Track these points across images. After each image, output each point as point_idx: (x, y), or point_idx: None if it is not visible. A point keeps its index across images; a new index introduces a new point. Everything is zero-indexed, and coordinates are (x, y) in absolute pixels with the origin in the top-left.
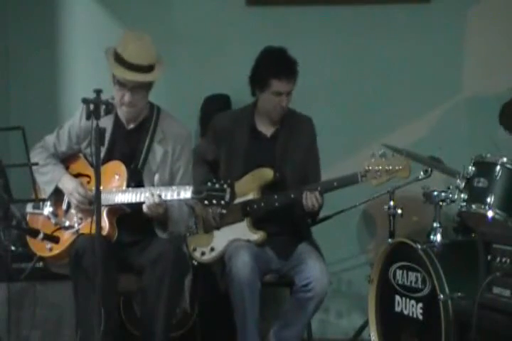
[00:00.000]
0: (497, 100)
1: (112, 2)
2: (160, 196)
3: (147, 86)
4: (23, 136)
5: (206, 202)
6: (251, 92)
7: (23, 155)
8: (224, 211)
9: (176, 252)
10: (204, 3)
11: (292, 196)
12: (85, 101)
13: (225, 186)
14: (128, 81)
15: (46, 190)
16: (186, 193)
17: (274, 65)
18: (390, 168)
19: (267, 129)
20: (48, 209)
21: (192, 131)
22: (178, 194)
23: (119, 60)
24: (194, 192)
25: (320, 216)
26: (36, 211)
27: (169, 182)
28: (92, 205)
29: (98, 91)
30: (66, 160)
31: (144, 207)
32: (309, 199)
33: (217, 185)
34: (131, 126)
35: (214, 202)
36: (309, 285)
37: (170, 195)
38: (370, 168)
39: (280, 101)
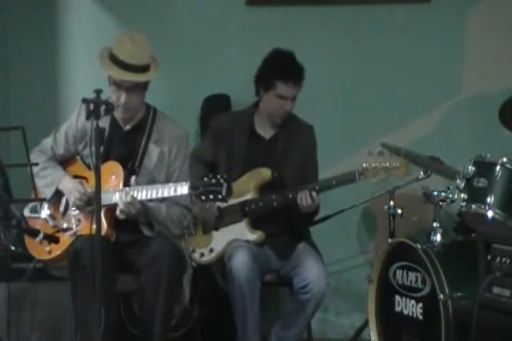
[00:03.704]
0: (497, 100)
1: (112, 2)
2: (133, 196)
3: (143, 86)
4: (23, 136)
5: (203, 197)
6: (255, 92)
7: (23, 155)
8: (222, 204)
9: (174, 251)
10: (204, 3)
11: (290, 196)
12: (85, 101)
13: (222, 181)
14: (124, 81)
15: (46, 193)
16: (183, 189)
17: (283, 68)
18: (388, 165)
19: (266, 132)
20: (45, 212)
21: (192, 131)
22: (175, 190)
23: (115, 60)
24: (191, 188)
25: (320, 216)
26: (34, 215)
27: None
28: (90, 204)
29: (98, 92)
30: (63, 162)
31: (117, 211)
32: (304, 199)
33: (213, 180)
34: (128, 126)
35: (211, 197)
36: (307, 287)
37: (167, 191)
38: (368, 165)
39: (284, 104)
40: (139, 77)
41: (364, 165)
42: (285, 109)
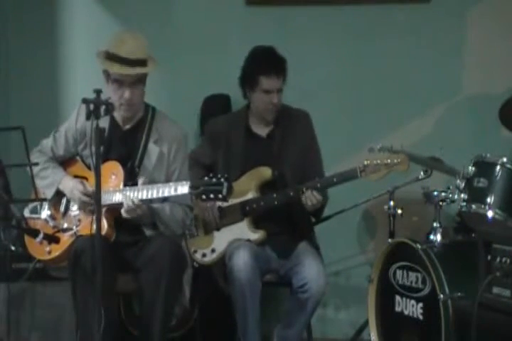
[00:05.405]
0: (497, 100)
1: (112, 2)
2: (139, 199)
3: (143, 80)
4: (23, 136)
5: (204, 196)
6: (242, 94)
7: (23, 155)
8: (223, 204)
9: (173, 250)
10: (204, 3)
11: (291, 194)
12: (85, 101)
13: (222, 180)
14: (126, 76)
15: (47, 194)
16: (183, 188)
17: (262, 63)
18: (389, 161)
19: (262, 130)
20: (45, 213)
21: (192, 131)
22: (176, 189)
23: (115, 58)
24: (191, 187)
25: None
26: (34, 215)
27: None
28: (91, 203)
29: (98, 91)
30: (63, 163)
31: (122, 211)
32: (308, 198)
33: (214, 179)
34: (128, 126)
35: (211, 196)
36: (305, 286)
37: (167, 190)
38: (369, 162)
39: (271, 98)
40: (141, 70)
41: (365, 162)
42: (273, 102)
